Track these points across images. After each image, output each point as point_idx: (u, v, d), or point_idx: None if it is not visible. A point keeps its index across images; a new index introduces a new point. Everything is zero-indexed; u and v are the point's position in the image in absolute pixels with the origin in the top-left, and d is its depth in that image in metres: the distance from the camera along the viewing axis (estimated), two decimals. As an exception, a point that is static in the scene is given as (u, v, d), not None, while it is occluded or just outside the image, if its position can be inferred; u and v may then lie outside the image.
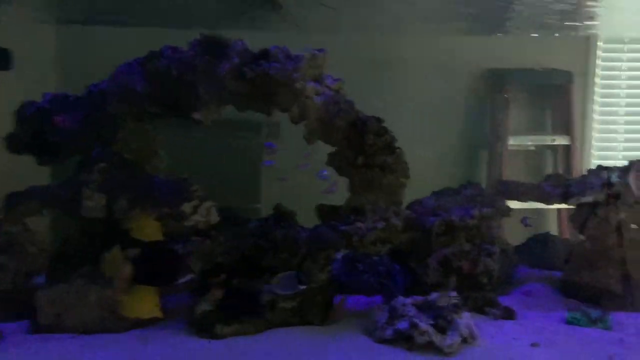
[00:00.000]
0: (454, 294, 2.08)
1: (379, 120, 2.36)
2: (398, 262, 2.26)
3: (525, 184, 2.74)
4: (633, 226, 2.47)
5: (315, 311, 2.07)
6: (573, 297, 2.51)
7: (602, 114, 4.03)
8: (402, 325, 1.99)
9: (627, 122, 4.03)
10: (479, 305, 2.34)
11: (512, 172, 3.53)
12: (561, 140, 3.98)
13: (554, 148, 4.05)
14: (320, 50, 2.31)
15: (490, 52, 3.65)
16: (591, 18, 2.75)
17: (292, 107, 2.19)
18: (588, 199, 2.47)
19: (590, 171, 2.62)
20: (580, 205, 2.54)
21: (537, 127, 4.10)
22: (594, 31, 3.44)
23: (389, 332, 2.00)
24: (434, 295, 2.11)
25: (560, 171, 3.93)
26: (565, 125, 4.04)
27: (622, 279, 2.43)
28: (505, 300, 2.46)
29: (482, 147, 3.93)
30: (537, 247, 2.88)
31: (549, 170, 4.12)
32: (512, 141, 3.85)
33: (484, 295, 2.36)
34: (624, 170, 2.53)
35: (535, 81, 3.74)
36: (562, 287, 2.59)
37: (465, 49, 3.59)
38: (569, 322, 2.28)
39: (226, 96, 2.24)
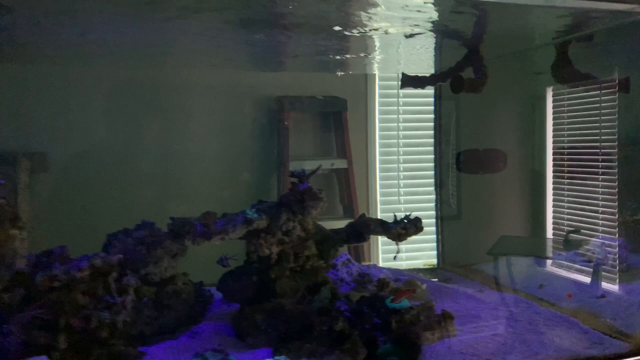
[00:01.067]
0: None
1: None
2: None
3: (188, 221, 2.49)
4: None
5: None
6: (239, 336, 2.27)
7: (382, 137, 4.26)
8: None
9: (404, 145, 4.27)
10: (102, 363, 2.05)
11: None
12: (340, 164, 4.08)
13: (337, 171, 4.15)
14: None
15: (278, 83, 3.86)
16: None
17: None
18: (233, 235, 2.26)
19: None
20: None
21: (321, 152, 4.23)
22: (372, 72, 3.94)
23: None
24: None
25: (343, 191, 3.99)
26: (342, 150, 4.11)
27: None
28: (157, 349, 2.20)
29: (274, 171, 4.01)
30: (231, 283, 2.62)
31: (336, 191, 4.17)
32: (292, 167, 3.84)
33: (109, 349, 2.07)
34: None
35: (314, 108, 4.00)
36: (232, 324, 2.36)
37: (257, 81, 3.81)
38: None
39: None
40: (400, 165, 4.21)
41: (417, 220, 2.56)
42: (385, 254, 4.10)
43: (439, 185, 3.89)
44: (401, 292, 2.29)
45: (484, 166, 3.27)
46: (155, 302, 2.52)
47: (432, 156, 3.92)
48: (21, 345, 2.10)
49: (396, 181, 4.22)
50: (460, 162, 3.41)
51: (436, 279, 3.32)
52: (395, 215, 2.58)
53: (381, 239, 4.09)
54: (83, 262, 2.13)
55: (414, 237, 2.71)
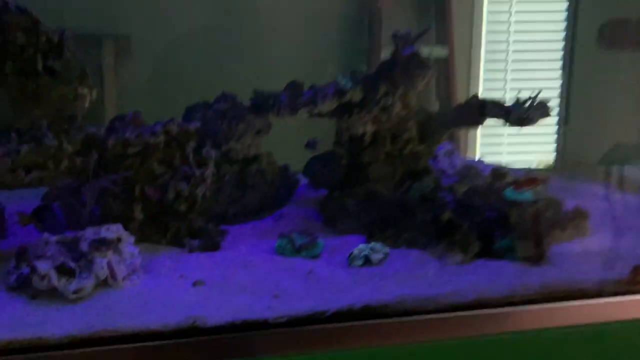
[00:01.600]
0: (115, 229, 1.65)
1: (25, 12, 1.87)
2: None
3: (272, 93, 2.21)
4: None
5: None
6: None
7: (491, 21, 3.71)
8: (26, 269, 1.55)
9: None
10: (180, 236, 1.87)
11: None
12: (439, 52, 3.66)
13: (436, 60, 3.72)
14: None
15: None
16: None
17: None
18: (322, 108, 1.95)
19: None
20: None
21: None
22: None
23: (13, 278, 1.57)
24: (89, 231, 1.66)
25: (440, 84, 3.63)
26: (443, 36, 3.65)
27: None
28: (240, 229, 2.02)
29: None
30: (319, 167, 2.36)
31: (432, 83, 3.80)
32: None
33: (188, 224, 1.88)
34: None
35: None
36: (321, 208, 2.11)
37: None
38: (278, 252, 1.79)
39: None
40: (509, 54, 3.69)
41: (544, 104, 2.14)
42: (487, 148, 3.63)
43: (567, 68, 3.35)
44: (527, 180, 1.93)
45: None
46: (237, 181, 2.30)
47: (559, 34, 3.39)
48: (94, 215, 1.93)
49: (503, 74, 3.74)
50: (605, 34, 2.83)
51: (557, 177, 2.91)
52: (517, 98, 2.18)
53: (481, 132, 3.63)
54: (157, 126, 1.91)
55: (528, 130, 2.31)
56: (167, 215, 1.94)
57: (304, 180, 2.65)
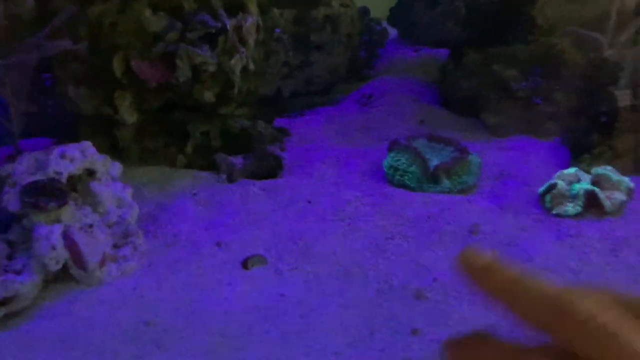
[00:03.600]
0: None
1: None
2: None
3: None
4: None
5: None
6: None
7: None
8: None
9: None
10: (208, 151, 1.05)
11: None
12: None
13: None
14: None
15: None
16: None
17: None
18: None
19: None
20: None
21: None
22: None
23: None
24: (22, 159, 0.83)
25: None
26: None
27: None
28: (307, 122, 1.33)
29: None
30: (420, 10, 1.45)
31: None
32: None
33: (224, 124, 1.06)
34: None
35: None
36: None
37: None
38: (391, 180, 0.96)
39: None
40: None
41: None
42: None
43: None
44: None
45: None
46: (295, 38, 1.39)
47: None
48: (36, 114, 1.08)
49: None
50: None
51: None
52: None
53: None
54: None
55: None
56: (184, 113, 1.06)
57: (391, 32, 1.72)
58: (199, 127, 1.07)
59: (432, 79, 1.46)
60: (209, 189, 1.01)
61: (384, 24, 1.71)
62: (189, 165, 1.07)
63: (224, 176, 1.04)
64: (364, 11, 1.64)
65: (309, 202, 0.96)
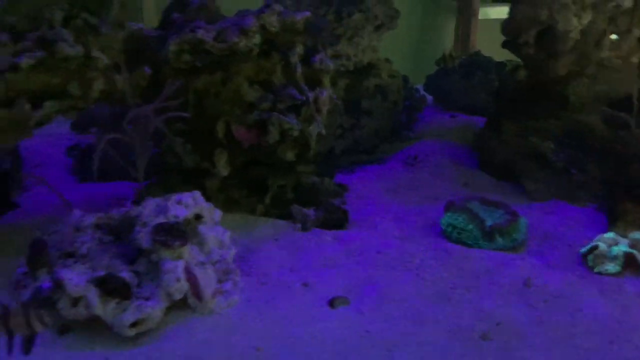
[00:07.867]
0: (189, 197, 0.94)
1: None
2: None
3: None
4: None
5: None
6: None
7: None
8: (46, 282, 0.93)
9: None
10: (284, 201, 1.18)
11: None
12: None
13: None
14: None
15: None
16: None
17: None
18: None
19: None
20: None
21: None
22: None
23: (26, 296, 0.94)
24: (148, 205, 0.96)
25: None
26: None
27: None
28: (361, 178, 1.38)
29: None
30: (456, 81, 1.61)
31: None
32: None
33: (299, 180, 1.18)
34: None
35: None
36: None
37: None
38: (449, 237, 1.10)
39: None
40: None
41: None
42: None
43: None
44: None
45: None
46: (347, 103, 1.55)
47: None
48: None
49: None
50: None
51: None
52: None
53: None
54: (247, 19, 1.13)
55: None
56: (265, 168, 1.21)
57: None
58: (277, 181, 1.22)
59: (468, 143, 1.62)
60: (287, 235, 1.15)
61: (421, 89, 1.89)
62: (266, 214, 1.22)
63: (299, 225, 1.18)
64: (404, 79, 1.81)
65: (378, 252, 1.10)
